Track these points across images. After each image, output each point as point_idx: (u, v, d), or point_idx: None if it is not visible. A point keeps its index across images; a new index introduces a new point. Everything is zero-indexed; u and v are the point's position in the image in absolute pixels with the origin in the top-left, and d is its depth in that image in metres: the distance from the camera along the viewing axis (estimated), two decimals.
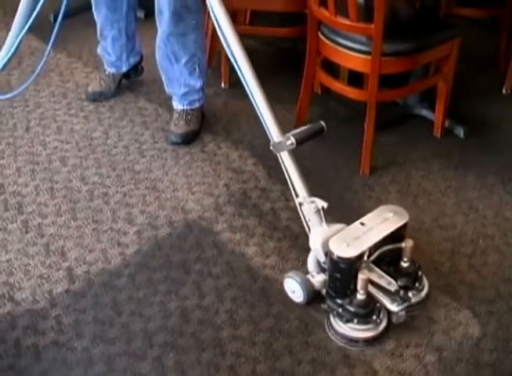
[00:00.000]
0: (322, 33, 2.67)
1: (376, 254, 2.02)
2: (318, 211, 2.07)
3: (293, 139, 2.08)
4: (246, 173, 2.72)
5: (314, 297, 2.10)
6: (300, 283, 2.09)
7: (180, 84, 2.87)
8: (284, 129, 2.98)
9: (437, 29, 2.68)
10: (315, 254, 2.09)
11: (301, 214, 2.14)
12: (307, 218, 2.12)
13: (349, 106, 3.03)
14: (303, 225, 2.37)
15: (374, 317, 1.98)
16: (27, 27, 2.48)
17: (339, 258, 1.94)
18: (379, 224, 2.06)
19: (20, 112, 3.13)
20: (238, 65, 2.21)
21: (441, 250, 2.35)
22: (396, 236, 2.06)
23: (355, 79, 2.86)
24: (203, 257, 2.32)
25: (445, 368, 1.94)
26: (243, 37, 3.58)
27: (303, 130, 2.15)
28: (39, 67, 2.55)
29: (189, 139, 2.89)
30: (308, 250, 2.13)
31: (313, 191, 2.56)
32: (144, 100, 3.21)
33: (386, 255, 2.05)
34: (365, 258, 2.02)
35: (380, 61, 2.49)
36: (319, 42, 2.71)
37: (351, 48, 2.57)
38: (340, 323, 2.01)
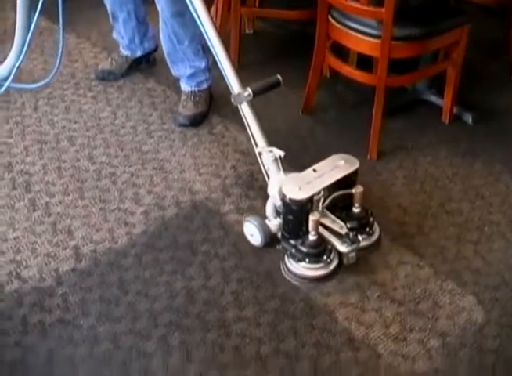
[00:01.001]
0: (333, 16, 2.66)
1: (328, 199, 2.16)
2: (276, 159, 2.20)
3: (250, 91, 2.21)
4: (254, 155, 2.71)
5: (271, 240, 2.23)
6: (257, 227, 2.22)
7: (185, 66, 2.87)
8: (292, 112, 3.00)
9: (447, 15, 2.66)
10: (273, 200, 2.22)
11: (260, 163, 2.26)
12: (266, 167, 2.24)
13: (358, 90, 3.02)
14: None
15: (325, 257, 2.10)
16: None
17: (291, 200, 2.08)
18: (330, 170, 2.19)
19: (28, 91, 3.12)
20: (200, 20, 2.32)
21: (447, 235, 2.35)
22: (347, 182, 2.18)
23: (364, 63, 2.85)
24: (209, 238, 2.33)
25: (448, 353, 1.95)
26: (253, 19, 3.60)
27: (260, 83, 2.28)
28: (58, 57, 2.61)
29: (197, 121, 2.89)
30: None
31: None
32: (153, 81, 3.20)
33: (339, 201, 2.18)
34: (320, 204, 2.14)
35: (389, 45, 2.48)
36: (328, 25, 2.70)
37: (361, 32, 2.56)
38: (293, 262, 2.13)
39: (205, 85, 2.93)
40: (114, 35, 3.19)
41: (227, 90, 3.15)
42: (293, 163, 2.64)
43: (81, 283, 2.17)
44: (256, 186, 2.56)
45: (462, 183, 2.60)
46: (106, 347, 1.96)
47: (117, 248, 2.30)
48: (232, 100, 2.28)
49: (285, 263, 2.17)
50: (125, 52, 3.20)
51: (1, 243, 2.31)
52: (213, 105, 2.98)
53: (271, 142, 2.75)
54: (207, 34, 2.32)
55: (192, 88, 2.92)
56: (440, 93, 2.93)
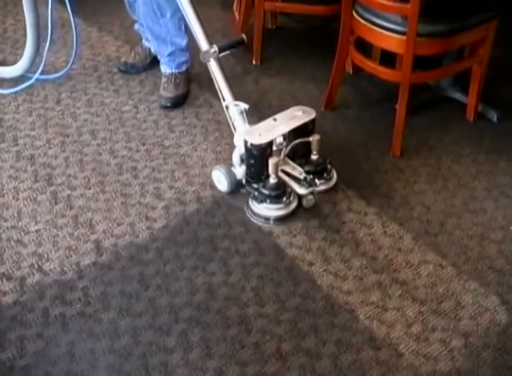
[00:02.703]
0: (357, 11, 2.63)
1: (289, 148, 2.37)
2: (241, 112, 2.40)
3: (216, 48, 2.41)
4: None
5: (236, 187, 2.43)
6: (224, 174, 2.42)
7: (167, 42, 2.90)
8: (315, 108, 2.99)
9: (474, 10, 2.62)
10: (238, 150, 2.40)
11: (227, 116, 2.45)
12: (233, 119, 2.43)
13: (381, 86, 3.00)
14: (332, 207, 2.39)
15: (284, 199, 2.31)
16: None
17: (252, 145, 2.28)
18: (288, 120, 2.39)
19: (51, 84, 3.14)
20: None
21: (470, 235, 2.32)
22: (305, 131, 2.39)
23: (388, 59, 2.82)
24: (230, 234, 2.32)
25: (471, 354, 1.93)
26: (276, 14, 3.58)
27: (226, 41, 2.50)
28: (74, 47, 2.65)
29: (179, 103, 2.97)
30: None
31: (343, 170, 2.58)
32: None
33: (299, 150, 2.39)
34: (282, 153, 2.37)
35: (414, 42, 2.45)
36: (353, 21, 2.67)
37: (385, 28, 2.53)
38: (256, 204, 2.34)
39: (184, 67, 2.99)
40: (136, 26, 3.18)
41: (249, 85, 3.17)
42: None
43: (102, 277, 2.17)
44: None
45: (486, 181, 2.57)
46: (126, 342, 1.96)
47: (137, 243, 2.30)
48: (201, 58, 2.47)
49: (249, 206, 2.37)
50: (147, 44, 3.20)
51: (23, 235, 2.32)
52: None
53: None
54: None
55: (173, 70, 2.98)
56: (464, 90, 2.89)
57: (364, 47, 2.81)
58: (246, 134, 2.34)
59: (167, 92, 2.98)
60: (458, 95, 2.97)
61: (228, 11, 3.60)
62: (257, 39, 3.25)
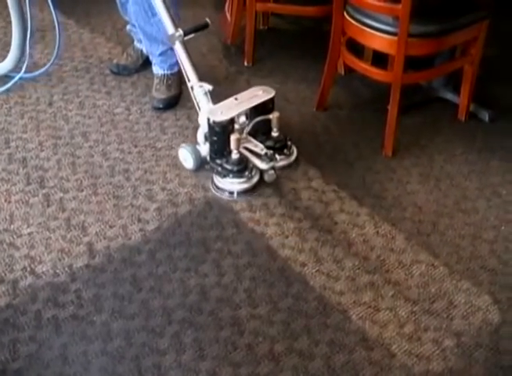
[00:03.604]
0: (348, 12, 2.64)
1: (250, 126, 2.49)
2: (206, 93, 2.51)
3: (181, 32, 2.54)
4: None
5: (201, 164, 2.54)
6: (190, 152, 2.53)
7: (158, 42, 2.90)
8: (307, 109, 2.99)
9: (465, 10, 2.63)
10: (203, 129, 2.51)
11: (192, 96, 2.56)
12: (197, 100, 2.54)
13: (373, 87, 3.00)
14: (324, 208, 2.39)
15: (247, 173, 2.43)
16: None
17: (214, 122, 2.40)
18: (249, 99, 2.51)
19: (43, 86, 3.13)
20: None
21: (462, 234, 2.33)
22: (265, 109, 2.51)
23: (379, 60, 2.83)
24: (223, 235, 2.32)
25: (463, 353, 1.93)
26: (267, 15, 3.59)
27: (191, 26, 2.61)
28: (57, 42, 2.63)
29: (171, 104, 2.98)
30: None
31: (335, 170, 2.58)
32: None
33: (260, 128, 2.52)
34: (244, 131, 2.49)
35: (406, 42, 2.46)
36: (344, 22, 2.68)
37: (376, 29, 2.53)
38: (219, 179, 2.46)
39: (176, 68, 3.00)
40: (128, 27, 3.18)
41: (241, 86, 3.16)
42: (308, 160, 2.65)
43: (95, 279, 2.17)
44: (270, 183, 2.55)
45: (478, 181, 2.58)
46: (119, 344, 1.96)
47: (130, 245, 2.30)
48: (168, 41, 2.59)
49: (213, 181, 2.49)
50: (139, 46, 3.20)
51: (15, 238, 2.31)
52: None
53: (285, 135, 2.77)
54: None
55: (165, 72, 2.99)
56: (456, 90, 2.90)
57: (356, 48, 2.81)
58: (208, 112, 2.44)
59: (160, 93, 2.98)
60: (450, 95, 2.98)
61: (220, 12, 3.60)
62: (249, 40, 3.25)
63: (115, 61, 3.25)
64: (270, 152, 2.44)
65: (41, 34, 3.45)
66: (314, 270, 2.19)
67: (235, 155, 2.41)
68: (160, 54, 2.94)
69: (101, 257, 2.25)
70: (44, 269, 2.20)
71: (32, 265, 2.21)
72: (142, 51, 3.20)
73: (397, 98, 2.59)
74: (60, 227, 2.36)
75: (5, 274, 2.18)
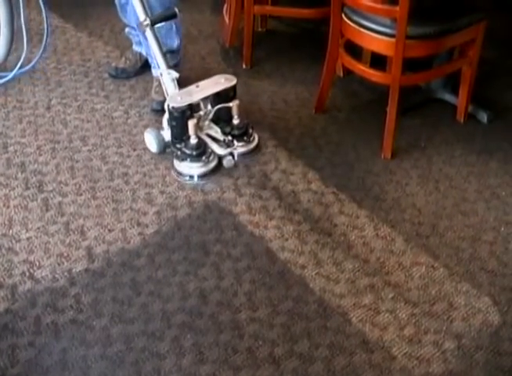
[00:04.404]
0: (346, 14, 2.64)
1: (212, 112, 2.52)
2: (173, 80, 2.56)
3: (148, 20, 2.57)
4: (267, 154, 2.71)
5: (165, 148, 2.59)
6: (153, 136, 2.60)
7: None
8: (306, 111, 2.99)
9: (463, 12, 2.63)
10: (167, 114, 2.55)
11: (162, 83, 2.61)
12: (166, 86, 2.58)
13: (371, 88, 3.00)
14: (323, 210, 2.38)
15: (204, 158, 2.45)
16: None
17: (173, 107, 2.44)
18: (210, 86, 2.55)
19: (42, 90, 3.13)
20: None
21: (462, 236, 2.33)
22: (227, 97, 2.53)
23: (378, 61, 2.83)
24: (222, 238, 2.32)
25: (463, 355, 1.93)
26: (265, 18, 3.59)
27: (158, 14, 2.66)
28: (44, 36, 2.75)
29: None
30: None
31: (335, 172, 2.58)
32: None
33: (222, 115, 2.54)
34: (207, 117, 2.53)
35: (404, 44, 2.45)
36: (342, 24, 2.67)
37: (374, 31, 2.53)
38: (178, 162, 2.49)
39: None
40: (126, 31, 3.18)
41: (240, 89, 3.15)
42: (307, 162, 2.65)
43: (94, 283, 2.16)
44: (268, 186, 2.55)
45: (477, 183, 2.57)
46: (119, 348, 1.95)
47: (129, 249, 2.29)
48: (139, 28, 2.67)
49: (173, 166, 2.52)
50: (137, 49, 3.19)
51: (14, 243, 2.31)
52: None
53: (284, 140, 2.77)
54: None
55: None
56: (455, 92, 2.90)
57: (354, 50, 2.81)
58: (168, 98, 2.50)
59: (159, 95, 2.97)
60: (448, 97, 2.98)
61: (219, 15, 3.60)
62: (247, 43, 3.25)
63: (114, 64, 3.25)
64: (228, 138, 2.49)
65: (38, 38, 3.44)
66: (314, 273, 2.19)
67: (193, 140, 2.43)
68: None
69: (100, 261, 2.24)
70: (43, 274, 2.19)
71: (31, 270, 2.20)
72: (140, 54, 3.20)
73: (395, 100, 2.59)
74: (59, 231, 2.36)
75: (4, 279, 2.17)
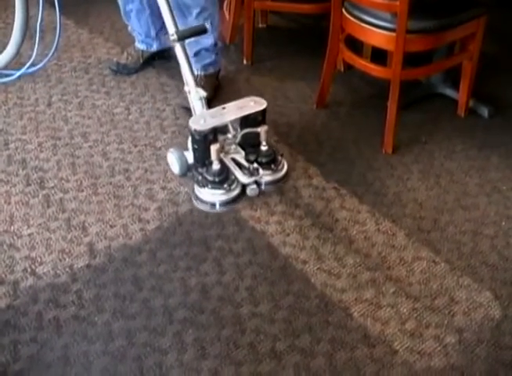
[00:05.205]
0: (346, 9, 2.63)
1: (239, 137, 2.38)
2: (201, 98, 2.42)
3: (176, 36, 2.43)
4: None
5: (188, 170, 2.42)
6: (176, 157, 2.41)
7: (191, 41, 2.85)
8: (307, 106, 2.99)
9: (463, 6, 2.63)
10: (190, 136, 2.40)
11: (189, 100, 2.47)
12: (193, 104, 2.45)
13: (372, 83, 3.00)
14: (325, 205, 2.38)
15: (226, 185, 2.30)
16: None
17: (195, 130, 2.29)
18: (237, 109, 2.38)
19: (42, 87, 3.13)
20: None
21: (463, 230, 2.33)
22: (255, 121, 2.37)
23: (379, 56, 2.82)
24: (223, 234, 2.32)
25: (465, 349, 1.93)
26: (266, 13, 3.59)
27: (188, 28, 2.54)
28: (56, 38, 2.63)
29: None
30: None
31: (336, 167, 2.58)
32: (166, 76, 3.20)
33: (249, 139, 2.38)
34: (234, 141, 2.39)
35: (404, 38, 2.45)
36: (342, 19, 2.67)
37: (375, 25, 2.53)
38: (198, 188, 2.34)
39: (211, 70, 2.92)
40: (130, 28, 3.17)
41: (242, 85, 3.18)
42: (309, 158, 2.65)
43: (96, 279, 2.16)
44: None
45: (478, 177, 2.57)
46: (121, 344, 1.96)
47: (131, 244, 2.29)
48: (170, 42, 2.49)
49: (194, 191, 2.37)
50: (140, 47, 3.19)
51: (16, 239, 2.31)
52: (227, 100, 2.95)
53: (285, 136, 2.77)
54: None
55: (198, 72, 2.92)
56: (455, 86, 2.90)
57: (355, 44, 2.81)
58: (191, 119, 2.35)
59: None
60: (449, 92, 2.97)
61: (219, 11, 3.59)
62: (248, 39, 3.25)
63: (115, 60, 3.24)
64: (254, 166, 2.33)
65: (40, 35, 3.44)
66: (315, 268, 2.19)
67: (215, 166, 2.29)
68: (195, 54, 2.90)
69: (102, 257, 2.24)
70: (44, 270, 2.20)
71: (33, 266, 2.21)
72: (143, 51, 3.20)
73: (396, 94, 2.59)
74: (61, 228, 2.36)
75: (6, 275, 2.18)
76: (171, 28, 2.45)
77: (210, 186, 2.30)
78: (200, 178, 2.33)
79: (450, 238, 2.30)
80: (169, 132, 2.82)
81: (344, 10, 2.65)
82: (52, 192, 2.51)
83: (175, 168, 2.44)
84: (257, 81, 3.18)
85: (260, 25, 3.58)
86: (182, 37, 2.44)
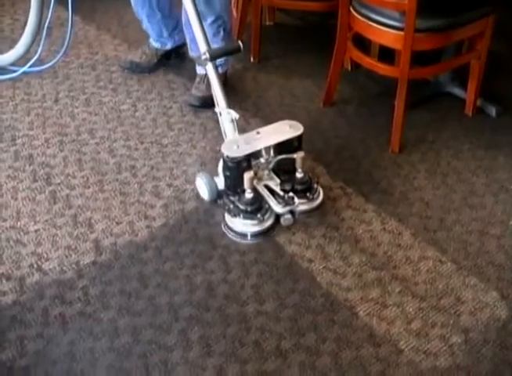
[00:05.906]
0: (354, 7, 2.63)
1: (273, 163, 2.28)
2: (232, 120, 2.33)
3: (208, 55, 2.36)
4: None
5: (218, 196, 2.37)
6: (205, 183, 2.36)
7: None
8: (314, 105, 2.98)
9: (472, 5, 2.62)
10: (222, 162, 2.31)
11: (220, 122, 2.39)
12: (224, 126, 2.36)
13: (379, 82, 2.99)
14: (331, 204, 2.38)
15: (259, 215, 2.22)
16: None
17: (228, 157, 2.20)
18: (272, 134, 2.28)
19: (49, 83, 3.14)
20: None
21: (469, 230, 2.32)
22: (291, 147, 2.28)
23: (386, 55, 2.82)
24: None
25: (471, 349, 1.92)
26: (273, 11, 3.58)
27: (219, 48, 2.50)
28: (67, 38, 2.60)
29: (207, 103, 2.85)
30: None
31: (342, 166, 2.58)
32: (173, 74, 3.20)
33: (284, 165, 2.29)
34: (268, 166, 2.30)
35: (412, 37, 2.45)
36: (350, 17, 2.67)
37: (383, 24, 2.53)
38: (229, 217, 2.26)
39: (220, 70, 2.91)
40: (144, 26, 3.17)
41: (248, 83, 3.18)
42: (315, 156, 2.64)
43: (102, 276, 2.17)
44: None
45: (485, 176, 2.57)
46: (126, 340, 1.96)
47: (137, 241, 2.30)
48: (201, 61, 2.44)
49: (224, 219, 2.29)
50: (155, 45, 3.19)
51: (22, 235, 2.32)
52: (234, 98, 2.95)
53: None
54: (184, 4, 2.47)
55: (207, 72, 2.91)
56: (463, 85, 2.89)
57: (362, 43, 2.81)
58: (224, 145, 2.25)
59: (198, 91, 2.93)
60: (457, 91, 2.97)
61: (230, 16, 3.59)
62: (255, 36, 3.25)
63: (128, 58, 3.23)
64: (289, 195, 2.24)
65: (47, 31, 3.44)
66: (321, 266, 2.19)
67: (248, 194, 2.20)
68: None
69: (108, 254, 2.25)
70: (51, 266, 2.20)
71: (39, 262, 2.21)
72: (157, 49, 3.19)
73: (404, 93, 2.58)
74: (67, 224, 2.36)
75: (12, 271, 2.18)
76: (202, 47, 2.39)
77: (242, 216, 2.22)
78: (231, 206, 2.25)
79: (457, 237, 2.29)
80: (176, 129, 2.82)
81: (351, 8, 2.64)
82: (59, 188, 2.52)
83: (204, 193, 2.38)
84: (264, 78, 3.17)
85: (267, 23, 3.58)
86: (214, 57, 2.38)
